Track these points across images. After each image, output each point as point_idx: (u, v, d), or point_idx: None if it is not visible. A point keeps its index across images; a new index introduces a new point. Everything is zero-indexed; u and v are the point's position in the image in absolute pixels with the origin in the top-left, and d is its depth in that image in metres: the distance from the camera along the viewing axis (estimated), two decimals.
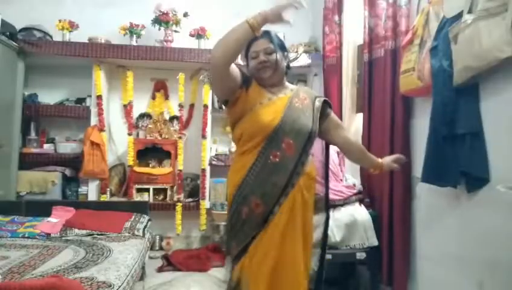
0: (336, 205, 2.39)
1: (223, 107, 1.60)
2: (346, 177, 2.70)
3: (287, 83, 1.63)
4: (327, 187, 1.76)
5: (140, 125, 3.79)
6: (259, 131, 1.49)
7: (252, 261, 1.48)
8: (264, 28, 1.46)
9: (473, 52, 1.51)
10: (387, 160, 1.76)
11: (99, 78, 3.54)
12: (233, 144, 3.94)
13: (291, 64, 1.68)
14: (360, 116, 2.86)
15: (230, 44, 1.38)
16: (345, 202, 2.41)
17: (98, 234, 2.61)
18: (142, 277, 2.66)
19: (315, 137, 1.58)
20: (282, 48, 1.60)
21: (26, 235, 2.52)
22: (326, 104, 1.64)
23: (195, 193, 3.80)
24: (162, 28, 3.65)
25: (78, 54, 3.44)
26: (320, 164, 1.73)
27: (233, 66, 1.47)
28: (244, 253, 1.51)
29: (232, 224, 1.56)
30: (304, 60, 3.64)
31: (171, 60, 3.56)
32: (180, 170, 3.64)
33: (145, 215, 2.91)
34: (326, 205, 1.74)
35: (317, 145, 1.71)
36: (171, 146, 3.67)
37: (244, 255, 1.50)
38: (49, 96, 3.71)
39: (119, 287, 1.72)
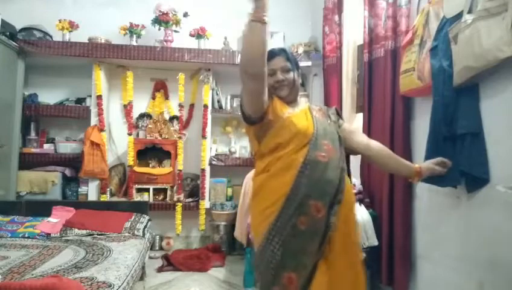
0: None
1: (252, 123, 1.49)
2: None
3: (298, 99, 1.61)
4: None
5: (140, 125, 3.79)
6: (299, 135, 1.44)
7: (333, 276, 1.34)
8: (280, 46, 1.57)
9: (473, 52, 1.51)
10: (427, 164, 1.60)
11: (99, 78, 3.54)
12: (233, 144, 3.95)
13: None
14: (360, 116, 2.86)
15: (259, 46, 1.32)
16: None
17: (98, 234, 2.61)
18: (142, 277, 2.66)
19: (342, 141, 1.55)
20: (297, 65, 1.59)
21: (26, 235, 2.53)
22: (338, 114, 1.66)
23: (195, 193, 3.80)
24: (162, 28, 3.65)
25: (78, 54, 3.44)
26: None
27: None
28: (312, 276, 1.33)
29: (285, 245, 1.33)
30: (304, 60, 3.64)
31: (171, 60, 3.56)
32: (180, 170, 3.64)
33: (145, 215, 2.91)
34: None
35: None
36: (171, 146, 3.67)
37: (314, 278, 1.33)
38: (49, 96, 3.71)
39: (119, 287, 1.72)
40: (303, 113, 1.53)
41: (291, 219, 1.34)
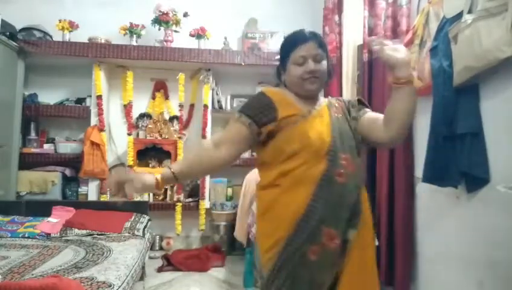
0: None
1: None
2: None
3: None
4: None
5: (140, 125, 3.79)
6: (311, 146, 1.22)
7: None
8: (311, 30, 1.31)
9: (473, 52, 1.51)
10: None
11: (99, 78, 3.54)
12: None
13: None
14: None
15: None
16: None
17: (98, 234, 2.61)
18: (142, 277, 2.66)
19: (361, 146, 1.32)
20: (328, 53, 1.34)
21: (26, 235, 2.52)
22: (360, 104, 1.37)
23: (195, 193, 3.80)
24: (162, 28, 3.65)
25: (78, 54, 3.45)
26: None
27: (236, 140, 1.26)
28: None
29: (293, 277, 1.18)
30: None
31: (171, 60, 3.56)
32: None
33: (145, 215, 2.91)
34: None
35: None
36: (171, 146, 3.67)
37: None
38: (49, 96, 3.71)
39: (119, 287, 1.72)
40: (319, 115, 1.29)
41: (302, 247, 1.18)
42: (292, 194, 1.21)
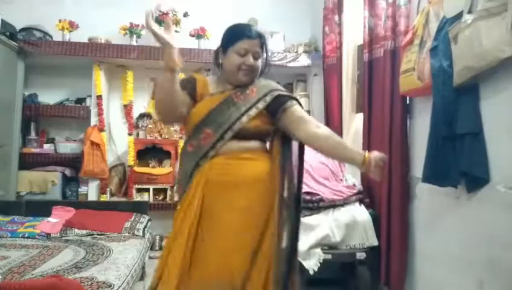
0: (336, 205, 2.39)
1: None
2: (346, 177, 2.70)
3: (256, 81, 1.52)
4: (299, 188, 1.53)
5: (140, 125, 3.79)
6: (190, 123, 1.45)
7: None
8: (256, 29, 1.49)
9: (473, 52, 1.51)
10: (375, 160, 1.30)
11: (99, 78, 3.54)
12: None
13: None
14: (360, 116, 2.87)
15: (168, 97, 1.38)
16: (345, 202, 2.41)
17: (98, 234, 2.61)
18: (142, 277, 2.66)
19: (236, 129, 1.40)
20: (267, 52, 1.53)
21: (26, 235, 2.52)
22: (283, 98, 1.46)
23: None
24: (162, 28, 3.64)
25: (78, 54, 3.44)
26: (295, 167, 1.52)
27: (180, 96, 1.42)
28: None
29: None
30: (304, 60, 3.64)
31: None
32: None
33: (145, 215, 2.91)
34: (297, 207, 1.48)
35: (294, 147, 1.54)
36: (171, 146, 3.67)
37: None
38: (49, 96, 3.70)
39: (119, 287, 1.72)
40: (219, 96, 1.45)
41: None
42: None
